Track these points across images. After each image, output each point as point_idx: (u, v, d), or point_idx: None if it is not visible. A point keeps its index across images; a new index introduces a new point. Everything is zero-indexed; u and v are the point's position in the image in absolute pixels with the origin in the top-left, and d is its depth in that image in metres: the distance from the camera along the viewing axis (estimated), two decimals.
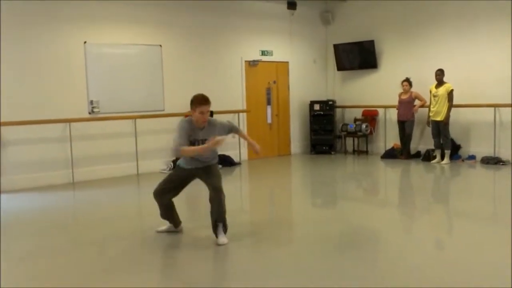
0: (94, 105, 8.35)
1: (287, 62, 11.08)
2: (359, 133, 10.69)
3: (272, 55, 10.77)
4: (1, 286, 3.65)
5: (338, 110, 11.38)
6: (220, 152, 9.58)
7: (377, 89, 10.72)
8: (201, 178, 4.80)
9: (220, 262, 4.33)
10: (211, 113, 10.05)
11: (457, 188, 7.80)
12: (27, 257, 4.46)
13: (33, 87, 7.78)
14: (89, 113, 8.34)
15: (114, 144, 8.62)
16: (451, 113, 9.01)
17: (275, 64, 10.91)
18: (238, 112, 10.08)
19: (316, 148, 11.11)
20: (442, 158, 9.15)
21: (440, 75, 9.06)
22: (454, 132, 9.27)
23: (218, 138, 4.53)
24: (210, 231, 4.68)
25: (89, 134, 8.33)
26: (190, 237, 4.99)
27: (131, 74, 8.82)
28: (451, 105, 8.96)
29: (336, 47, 11.20)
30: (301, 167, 10.06)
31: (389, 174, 9.16)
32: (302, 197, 7.37)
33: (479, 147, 9.22)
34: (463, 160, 9.25)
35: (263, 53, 10.64)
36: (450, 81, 9.02)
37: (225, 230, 4.66)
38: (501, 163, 8.71)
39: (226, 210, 4.63)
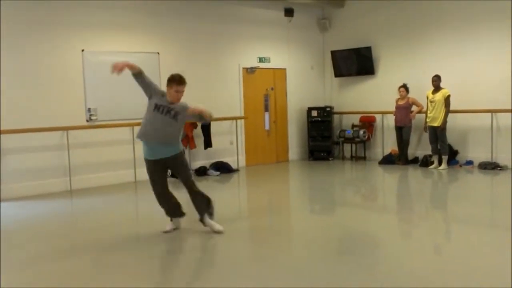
0: (91, 113, 8.36)
1: (285, 69, 11.11)
2: (357, 139, 10.71)
3: (269, 62, 10.80)
4: None
5: (335, 116, 11.41)
6: (218, 159, 9.67)
7: (375, 95, 10.75)
8: (171, 170, 5.27)
9: (219, 267, 4.32)
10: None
11: (455, 194, 7.80)
12: (25, 264, 4.45)
13: (31, 95, 7.78)
14: (87, 120, 8.34)
15: (112, 152, 8.62)
16: (448, 119, 9.04)
17: (273, 70, 10.94)
18: (236, 118, 10.10)
19: (314, 155, 11.13)
20: (440, 163, 9.17)
21: (437, 81, 9.09)
22: (451, 138, 9.29)
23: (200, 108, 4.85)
24: (207, 233, 4.67)
25: (86, 142, 8.32)
26: (186, 242, 4.98)
27: (129, 81, 8.73)
28: (448, 110, 8.99)
29: (333, 53, 11.24)
30: (299, 174, 10.06)
31: (387, 180, 9.17)
32: (301, 203, 7.37)
33: (477, 153, 9.24)
34: (460, 166, 9.27)
35: (261, 60, 10.68)
36: (447, 86, 9.05)
37: (210, 215, 5.08)
38: (499, 168, 8.73)
39: (206, 196, 5.03)
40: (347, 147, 11.10)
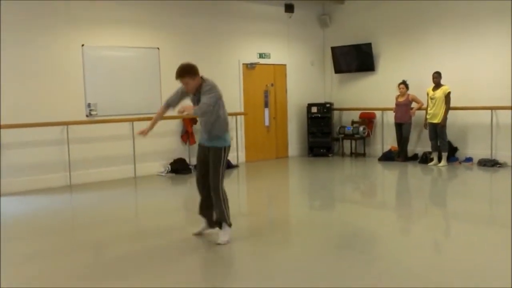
0: (91, 108, 8.35)
1: (285, 65, 11.10)
2: (357, 136, 10.71)
3: (269, 57, 10.79)
4: (1, 287, 3.65)
5: (335, 113, 11.40)
6: None
7: (375, 92, 10.74)
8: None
9: (220, 263, 4.33)
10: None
11: (454, 190, 7.81)
12: (25, 259, 4.45)
13: (31, 90, 7.78)
14: (87, 115, 8.34)
15: (112, 147, 8.62)
16: (448, 116, 9.04)
17: (273, 66, 10.93)
18: (236, 114, 10.09)
19: (313, 151, 11.13)
20: (439, 160, 9.18)
21: (437, 78, 9.09)
22: (451, 135, 9.30)
23: (185, 105, 4.55)
24: (209, 231, 4.68)
25: (86, 137, 8.32)
26: (188, 239, 4.99)
27: (129, 76, 8.83)
28: (448, 107, 8.99)
29: (333, 49, 11.22)
30: (299, 170, 10.07)
31: (386, 177, 9.18)
32: (300, 199, 7.38)
33: (476, 150, 9.24)
34: (460, 163, 9.28)
35: (261, 55, 10.66)
36: (447, 83, 9.05)
37: (226, 224, 4.70)
38: (498, 165, 8.73)
39: (228, 205, 4.70)
40: (346, 144, 11.10)
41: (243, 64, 10.36)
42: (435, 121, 9.08)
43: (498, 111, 8.94)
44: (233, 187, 8.52)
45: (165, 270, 4.10)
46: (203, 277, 4.00)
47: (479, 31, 9.12)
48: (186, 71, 4.62)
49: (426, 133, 9.46)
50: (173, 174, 8.97)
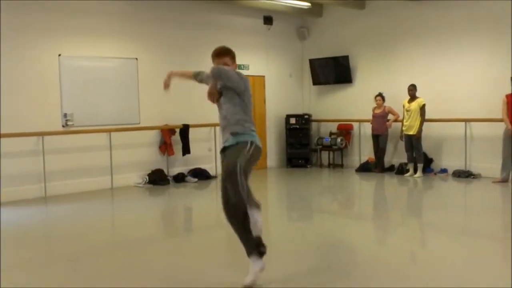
0: (68, 118, 8.25)
1: (263, 76, 11.16)
2: (334, 147, 10.80)
3: (248, 69, 10.83)
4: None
5: (313, 124, 11.49)
6: (196, 166, 9.63)
7: (352, 104, 10.88)
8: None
9: (194, 274, 4.30)
10: (186, 126, 10.01)
11: (430, 201, 7.93)
12: None
13: (5, 99, 7.64)
14: (63, 126, 8.23)
15: (88, 158, 8.51)
16: (424, 127, 9.20)
17: (252, 78, 10.87)
18: (214, 125, 10.08)
19: (292, 162, 11.18)
20: (415, 171, 9.31)
21: (412, 90, 9.26)
22: (426, 146, 9.45)
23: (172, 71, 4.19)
24: (186, 238, 4.64)
25: (62, 148, 8.21)
26: (162, 246, 4.95)
27: (106, 87, 8.76)
28: (423, 119, 9.15)
29: (311, 62, 11.34)
30: (277, 181, 10.09)
31: (364, 187, 9.27)
32: (278, 210, 7.39)
33: (451, 161, 9.41)
34: (435, 174, 9.43)
35: (240, 67, 10.69)
36: (422, 96, 9.22)
37: (258, 251, 3.77)
38: (472, 177, 8.90)
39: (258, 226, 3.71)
40: (324, 155, 11.18)
41: None
42: (411, 132, 9.23)
43: (472, 123, 9.13)
44: (211, 198, 8.49)
45: (138, 279, 4.06)
46: (179, 285, 3.97)
47: (454, 44, 9.33)
48: (228, 51, 4.01)
49: (402, 144, 9.60)
50: (151, 185, 8.90)
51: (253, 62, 10.89)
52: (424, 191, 8.52)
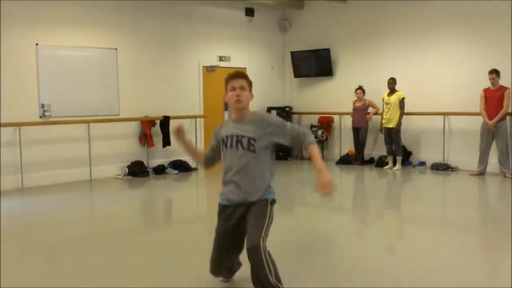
0: (45, 109, 8.10)
1: (245, 68, 11.12)
2: (315, 139, 10.82)
3: (229, 61, 10.79)
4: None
5: (295, 117, 11.51)
6: (176, 158, 9.58)
7: (333, 96, 10.92)
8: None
9: (170, 268, 4.28)
10: (167, 118, 9.91)
11: (408, 194, 8.04)
12: None
13: None
14: (40, 116, 8.09)
15: (66, 149, 8.38)
16: (403, 121, 9.29)
17: (233, 69, 10.91)
18: (195, 117, 10.03)
19: None
20: (394, 164, 9.41)
21: (392, 84, 9.33)
22: (405, 139, 9.56)
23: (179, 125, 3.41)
24: (161, 234, 4.60)
25: (40, 139, 8.07)
26: (142, 239, 4.91)
27: (85, 77, 8.63)
28: (402, 112, 9.24)
29: (293, 54, 11.34)
30: None
31: (343, 180, 9.33)
32: None
33: (429, 154, 9.53)
34: (414, 166, 9.54)
35: (221, 58, 10.65)
36: (402, 89, 9.30)
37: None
38: (450, 169, 9.04)
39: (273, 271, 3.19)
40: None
41: (203, 66, 10.32)
42: (390, 125, 9.32)
43: (450, 116, 9.25)
44: (192, 190, 8.47)
45: (115, 274, 4.02)
46: (159, 279, 3.94)
47: (433, 39, 9.43)
48: (246, 75, 3.53)
49: (382, 137, 9.69)
50: (131, 177, 8.82)
51: (234, 53, 10.84)
52: (403, 184, 8.62)
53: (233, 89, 3.42)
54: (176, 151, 9.64)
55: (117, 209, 6.58)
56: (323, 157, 10.88)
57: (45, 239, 5.11)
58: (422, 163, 9.54)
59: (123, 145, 9.10)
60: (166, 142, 9.41)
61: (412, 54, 9.71)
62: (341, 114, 10.73)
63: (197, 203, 7.37)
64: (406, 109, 9.25)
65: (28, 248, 4.81)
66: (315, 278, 3.89)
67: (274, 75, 11.70)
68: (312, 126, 11.16)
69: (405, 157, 9.59)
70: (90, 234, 5.46)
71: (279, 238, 5.09)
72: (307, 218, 6.16)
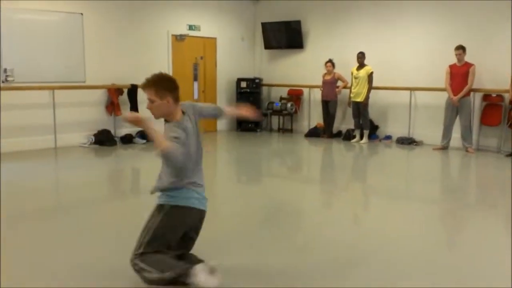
0: (8, 74, 7.84)
1: (215, 38, 10.99)
2: (285, 112, 10.88)
3: (199, 30, 10.62)
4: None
5: (264, 89, 11.50)
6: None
7: (303, 69, 10.93)
8: None
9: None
10: (135, 87, 9.70)
11: (374, 167, 8.20)
12: None
13: None
14: (3, 82, 7.82)
15: (30, 116, 8.16)
16: (370, 95, 9.41)
17: (203, 39, 10.77)
18: None
19: (242, 126, 11.19)
20: (361, 137, 9.56)
21: (361, 58, 9.39)
22: (372, 113, 9.69)
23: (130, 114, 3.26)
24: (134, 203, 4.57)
25: (2, 104, 7.81)
26: (108, 208, 4.88)
27: (50, 42, 8.36)
28: (370, 87, 9.34)
29: (264, 25, 11.24)
30: (226, 144, 10.10)
31: (311, 152, 9.45)
32: (227, 173, 7.42)
33: (395, 128, 9.72)
34: (380, 140, 9.72)
35: (191, 27, 10.47)
36: (370, 64, 9.38)
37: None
38: (415, 144, 9.25)
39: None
40: (274, 119, 11.26)
41: (172, 35, 10.12)
42: (358, 99, 9.42)
43: (416, 92, 9.41)
44: (159, 160, 8.40)
45: (75, 244, 4.00)
46: (120, 252, 3.94)
47: (401, 14, 9.48)
48: (154, 83, 3.32)
49: (350, 111, 9.80)
50: (97, 146, 8.69)
51: (204, 23, 10.68)
52: (369, 157, 8.79)
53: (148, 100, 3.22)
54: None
55: (82, 178, 6.49)
56: (291, 130, 10.97)
57: (8, 208, 5.01)
58: (388, 137, 9.72)
59: (89, 113, 8.92)
60: (134, 111, 9.25)
61: (381, 29, 9.76)
62: (310, 87, 10.76)
63: None
64: (374, 84, 9.35)
65: None
66: (279, 246, 3.95)
67: (245, 46, 11.59)
68: (281, 99, 11.18)
69: (372, 131, 9.74)
70: (55, 204, 5.38)
71: (246, 207, 5.14)
72: (274, 189, 6.22)
